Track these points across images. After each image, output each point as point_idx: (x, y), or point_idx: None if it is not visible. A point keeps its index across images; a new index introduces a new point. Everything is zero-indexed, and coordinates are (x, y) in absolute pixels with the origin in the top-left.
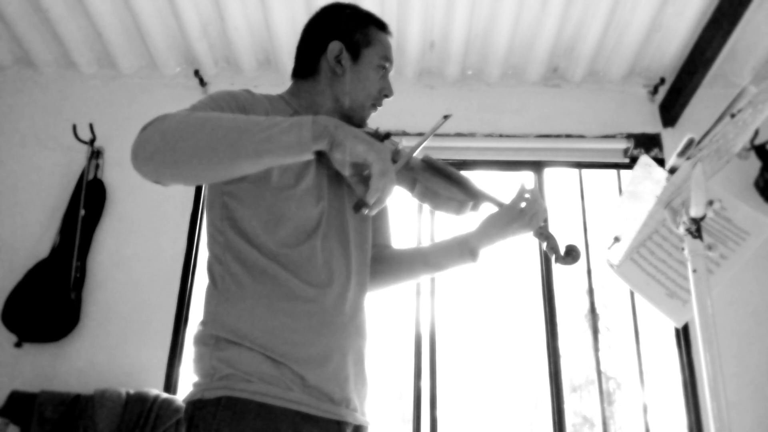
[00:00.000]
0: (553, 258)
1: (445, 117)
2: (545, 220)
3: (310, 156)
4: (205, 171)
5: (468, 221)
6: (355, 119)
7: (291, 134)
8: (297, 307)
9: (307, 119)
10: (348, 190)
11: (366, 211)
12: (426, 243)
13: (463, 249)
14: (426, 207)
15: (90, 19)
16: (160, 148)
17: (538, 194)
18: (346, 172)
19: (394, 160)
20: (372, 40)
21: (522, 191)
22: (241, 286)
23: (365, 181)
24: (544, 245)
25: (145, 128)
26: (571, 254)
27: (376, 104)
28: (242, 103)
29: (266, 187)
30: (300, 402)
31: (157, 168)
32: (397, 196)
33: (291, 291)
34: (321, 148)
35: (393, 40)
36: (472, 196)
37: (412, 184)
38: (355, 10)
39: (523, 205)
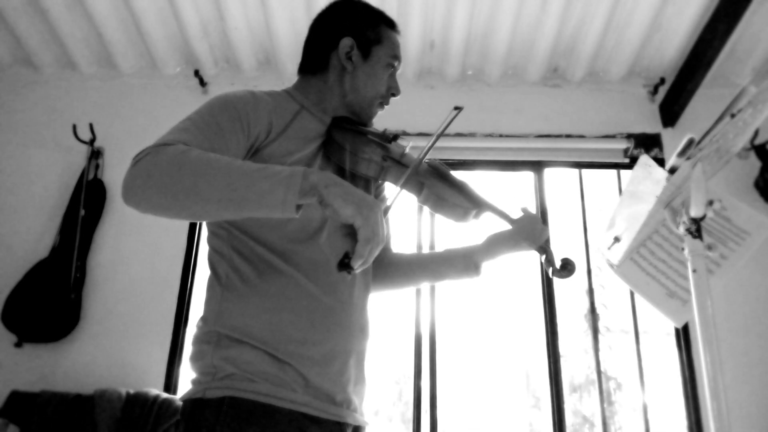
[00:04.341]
0: (549, 271)
1: (456, 108)
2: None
3: (293, 214)
4: (191, 216)
5: (468, 227)
6: (362, 117)
7: (279, 192)
8: (303, 304)
9: (299, 174)
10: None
11: (349, 275)
12: (428, 250)
13: (468, 263)
14: (426, 209)
15: (90, 19)
16: (151, 188)
17: (538, 217)
18: (336, 222)
19: (404, 163)
20: (383, 39)
21: (527, 215)
22: (247, 281)
23: (353, 235)
24: (542, 258)
25: (138, 161)
26: (566, 267)
27: (383, 103)
28: (245, 116)
29: None
30: (304, 403)
31: (146, 206)
32: (399, 200)
33: (297, 288)
34: (309, 202)
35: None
36: (475, 204)
37: (419, 189)
38: (366, 7)
39: (531, 228)
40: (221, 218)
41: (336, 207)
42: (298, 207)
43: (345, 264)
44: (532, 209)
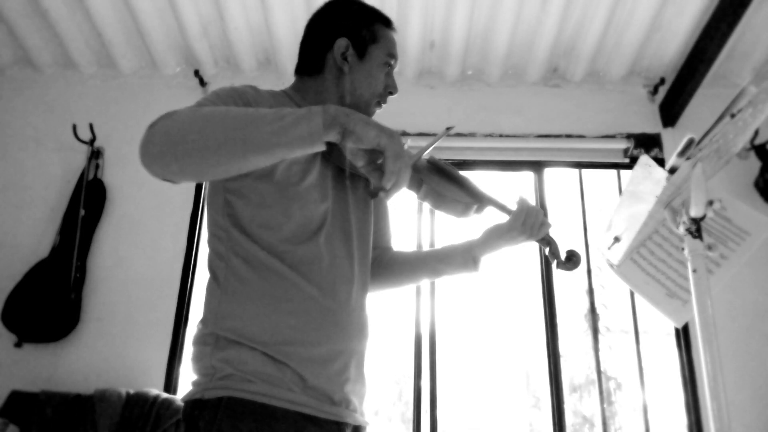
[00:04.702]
0: (554, 263)
1: (448, 129)
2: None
3: (322, 147)
4: (216, 166)
5: (469, 223)
6: None
7: (302, 125)
8: (301, 306)
9: (317, 109)
10: (351, 190)
11: (383, 196)
12: (427, 247)
13: (467, 258)
14: (426, 206)
15: (90, 19)
16: (170, 144)
17: (537, 208)
18: (359, 161)
19: None
20: (378, 37)
21: (523, 205)
22: (245, 283)
23: (379, 168)
24: (546, 250)
25: (153, 125)
26: (571, 260)
27: (381, 102)
28: (247, 99)
29: (270, 185)
30: (301, 403)
31: (167, 164)
32: (399, 197)
33: (295, 289)
34: (332, 139)
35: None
36: (476, 199)
37: (418, 185)
38: (361, 5)
39: (525, 217)
40: (247, 167)
41: (359, 131)
42: (323, 139)
43: (377, 189)
44: (530, 199)
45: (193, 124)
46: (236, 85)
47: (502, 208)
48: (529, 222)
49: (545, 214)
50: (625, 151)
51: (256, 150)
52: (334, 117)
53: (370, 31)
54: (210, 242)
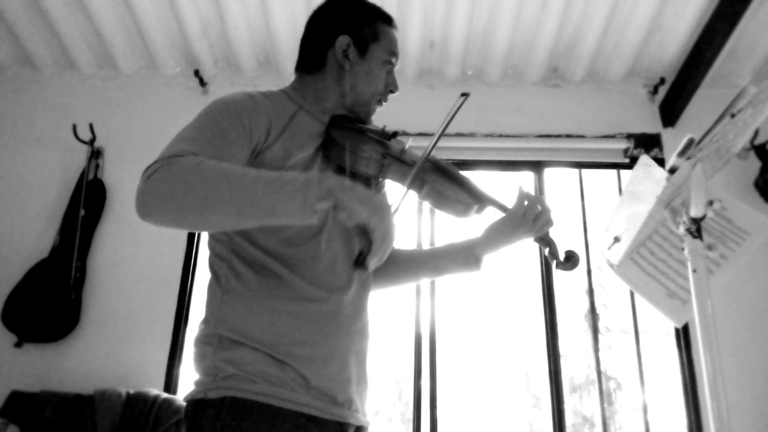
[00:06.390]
0: (553, 264)
1: (464, 95)
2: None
3: (312, 220)
4: (209, 226)
5: (469, 222)
6: (360, 115)
7: (296, 200)
8: (302, 307)
9: (314, 180)
10: None
11: (364, 272)
12: (428, 246)
13: (468, 256)
14: (426, 206)
15: (90, 19)
16: (165, 201)
17: (541, 199)
18: (350, 226)
19: (404, 160)
20: (379, 35)
21: (522, 196)
22: (246, 285)
23: (366, 235)
24: (546, 251)
25: (149, 175)
26: (570, 260)
27: (381, 100)
28: (246, 122)
29: None
30: (304, 404)
31: (162, 219)
32: (404, 200)
33: (296, 291)
34: (325, 209)
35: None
36: (477, 199)
37: (420, 185)
38: (362, 3)
39: (525, 210)
40: (239, 228)
41: (351, 210)
42: (315, 212)
43: (360, 262)
44: (529, 190)
45: (194, 184)
46: (233, 96)
47: (503, 208)
48: (530, 214)
49: (548, 208)
50: (625, 151)
51: (249, 217)
52: (329, 191)
53: (372, 29)
54: (210, 244)
